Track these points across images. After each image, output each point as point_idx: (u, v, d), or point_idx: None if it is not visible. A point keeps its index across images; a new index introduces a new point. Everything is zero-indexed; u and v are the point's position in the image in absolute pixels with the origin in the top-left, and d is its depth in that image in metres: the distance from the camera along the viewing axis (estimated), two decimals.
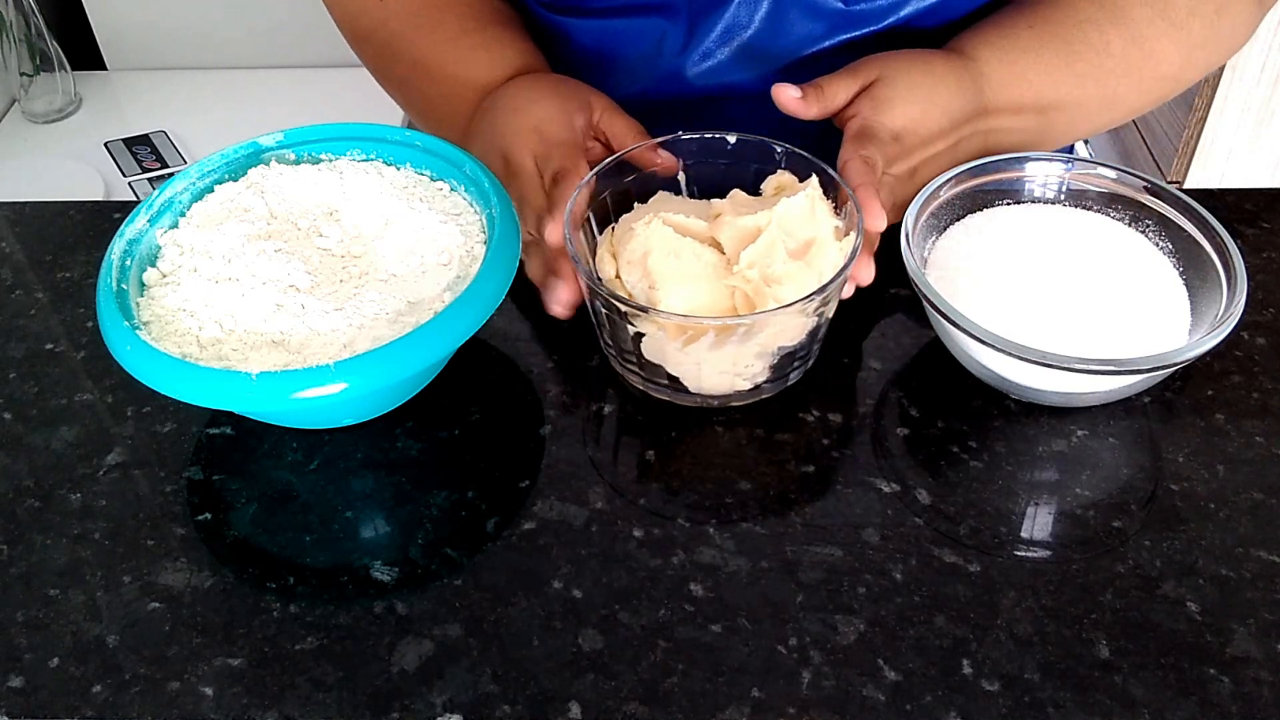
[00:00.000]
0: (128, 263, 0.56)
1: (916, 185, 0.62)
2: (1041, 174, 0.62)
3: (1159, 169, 1.84)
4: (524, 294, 0.64)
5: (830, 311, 0.57)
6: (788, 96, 0.62)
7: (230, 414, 0.58)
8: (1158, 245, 0.60)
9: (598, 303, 0.55)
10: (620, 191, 0.62)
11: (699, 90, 0.72)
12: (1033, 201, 0.62)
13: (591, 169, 0.60)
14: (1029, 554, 0.51)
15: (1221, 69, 1.66)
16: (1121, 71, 0.66)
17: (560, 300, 0.58)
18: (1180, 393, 0.59)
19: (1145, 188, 0.60)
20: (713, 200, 0.62)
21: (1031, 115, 0.66)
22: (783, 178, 0.61)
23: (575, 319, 0.59)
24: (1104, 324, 0.56)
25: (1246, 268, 0.55)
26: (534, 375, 0.60)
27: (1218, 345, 0.52)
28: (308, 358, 0.52)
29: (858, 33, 0.69)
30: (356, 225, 0.58)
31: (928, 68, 0.63)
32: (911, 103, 0.62)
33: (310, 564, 0.52)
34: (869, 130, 0.61)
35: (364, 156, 0.63)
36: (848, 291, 0.59)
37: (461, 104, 0.69)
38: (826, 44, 0.69)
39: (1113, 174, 0.61)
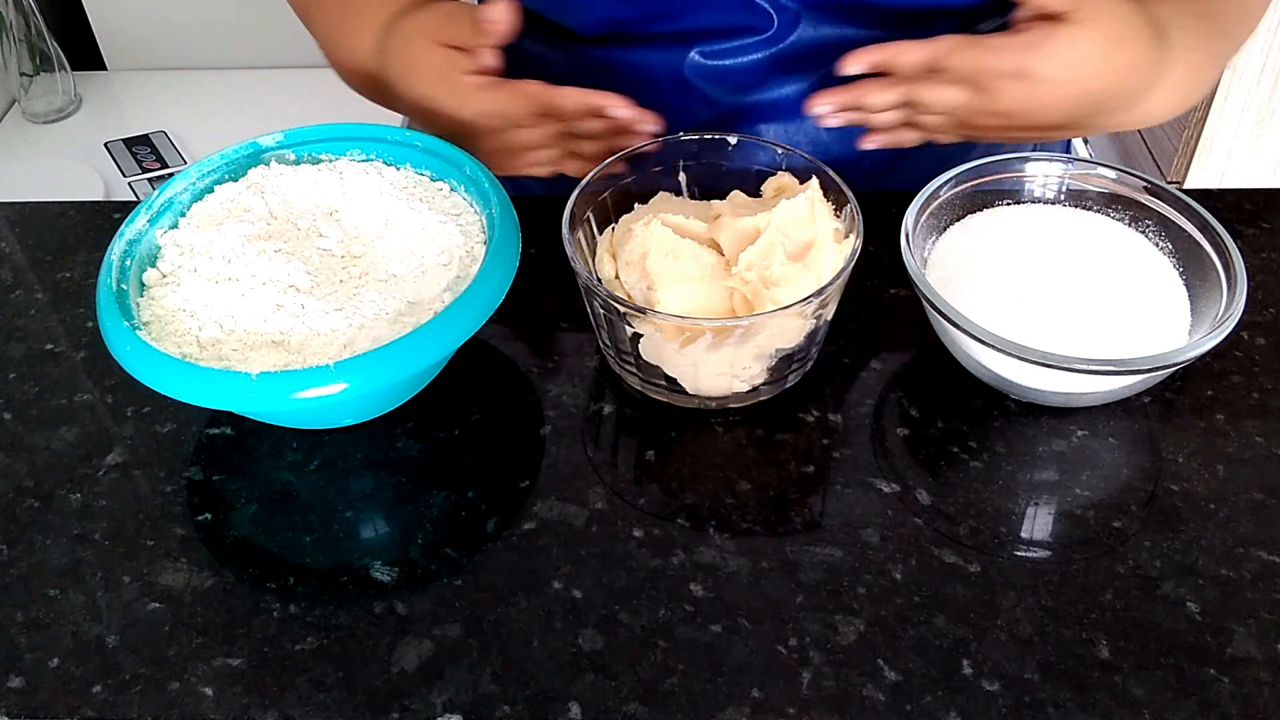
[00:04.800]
0: (128, 263, 0.56)
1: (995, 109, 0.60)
2: (1041, 174, 0.62)
3: (1159, 169, 1.84)
4: (524, 294, 0.64)
5: (829, 314, 0.57)
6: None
7: (230, 414, 0.58)
8: (1158, 245, 0.60)
9: (596, 303, 0.55)
10: (620, 192, 0.62)
11: (730, 108, 0.72)
12: (1033, 201, 0.62)
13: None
14: (1029, 554, 0.51)
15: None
16: (1229, 32, 0.65)
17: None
18: (1180, 393, 0.59)
19: (1145, 188, 0.60)
20: (712, 201, 0.62)
21: (1181, 97, 0.63)
22: (783, 179, 0.61)
23: (575, 319, 0.59)
24: (1104, 324, 0.56)
25: (1246, 268, 0.55)
26: (534, 375, 0.60)
27: (1218, 345, 0.52)
28: (308, 358, 0.52)
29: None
30: (356, 225, 0.58)
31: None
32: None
33: (310, 564, 0.52)
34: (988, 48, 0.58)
35: (364, 156, 0.63)
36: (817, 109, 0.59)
37: (363, 32, 0.70)
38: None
39: (1113, 174, 0.61)
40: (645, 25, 0.69)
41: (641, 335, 0.55)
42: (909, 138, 0.64)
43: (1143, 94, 0.61)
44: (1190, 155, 1.78)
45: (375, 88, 0.71)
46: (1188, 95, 0.64)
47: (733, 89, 0.71)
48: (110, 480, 0.56)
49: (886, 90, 0.60)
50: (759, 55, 0.69)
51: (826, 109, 0.61)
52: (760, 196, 0.62)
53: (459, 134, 0.65)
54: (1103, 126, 0.64)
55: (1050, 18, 0.58)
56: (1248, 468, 0.55)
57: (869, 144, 0.64)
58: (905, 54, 0.59)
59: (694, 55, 0.69)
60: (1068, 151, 0.90)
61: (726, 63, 0.69)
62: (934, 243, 0.60)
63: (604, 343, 0.59)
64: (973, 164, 0.61)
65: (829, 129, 0.73)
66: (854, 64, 0.60)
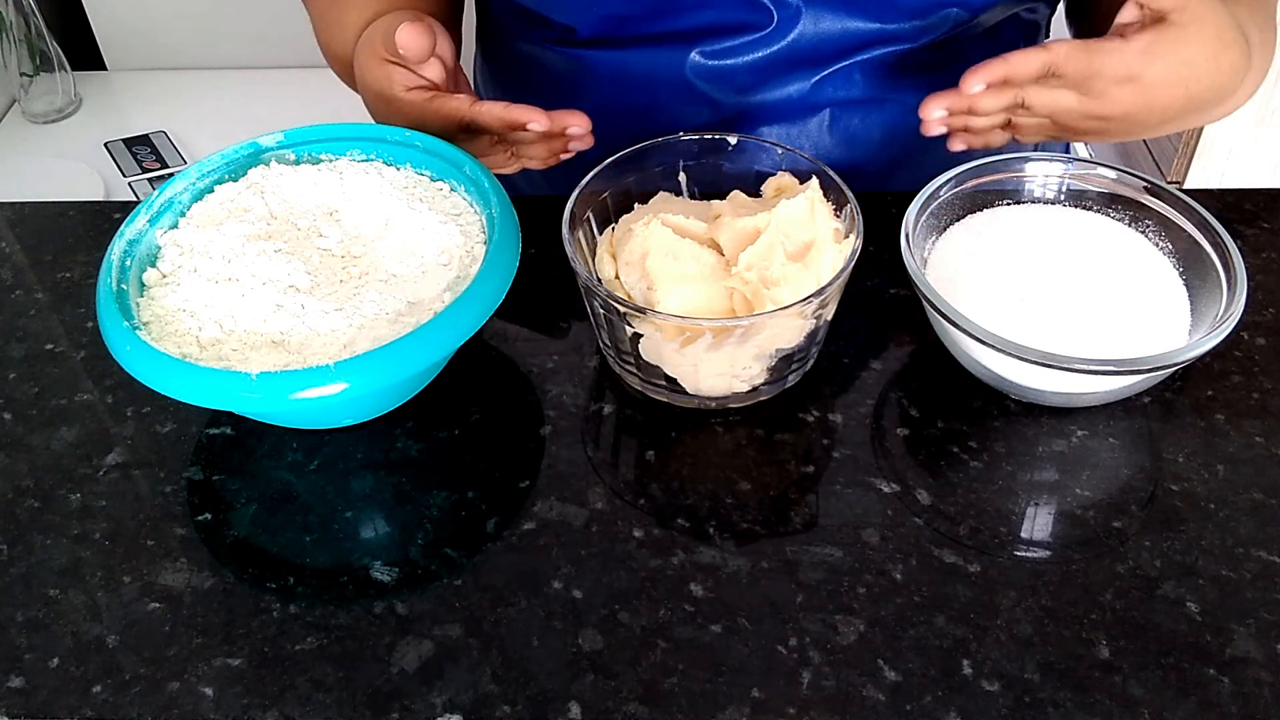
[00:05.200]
0: (128, 263, 0.56)
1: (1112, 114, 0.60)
2: (1041, 174, 0.62)
3: (1159, 169, 1.84)
4: (524, 294, 0.64)
5: (829, 314, 0.57)
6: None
7: (230, 414, 0.58)
8: (1158, 245, 0.60)
9: (596, 303, 0.55)
10: (620, 192, 0.62)
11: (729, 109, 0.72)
12: (1033, 201, 0.62)
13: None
14: (1029, 554, 0.51)
15: None
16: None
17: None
18: (1180, 393, 0.59)
19: (1145, 188, 0.60)
20: (712, 201, 0.62)
21: (1246, 94, 0.64)
22: (783, 179, 0.61)
23: (575, 319, 0.59)
24: (1104, 324, 0.56)
25: (1246, 268, 0.55)
26: (534, 375, 0.60)
27: (1218, 345, 0.52)
28: (308, 358, 0.52)
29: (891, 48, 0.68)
30: (356, 225, 0.58)
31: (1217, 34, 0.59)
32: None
33: (310, 564, 0.52)
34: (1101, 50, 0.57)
35: (364, 156, 0.63)
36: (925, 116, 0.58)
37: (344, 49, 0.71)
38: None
39: (1113, 174, 0.61)
40: (645, 23, 0.68)
41: (641, 335, 0.55)
42: (998, 139, 0.63)
43: (1232, 94, 0.61)
44: (1190, 155, 1.78)
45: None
46: (1252, 94, 0.65)
47: (734, 90, 0.71)
48: (110, 480, 0.56)
49: (999, 96, 0.59)
50: (760, 54, 0.69)
51: (939, 114, 0.59)
52: (760, 196, 0.62)
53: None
54: (1183, 126, 0.64)
55: (1158, 21, 0.57)
56: (1248, 468, 0.55)
57: (957, 146, 0.63)
58: (1023, 64, 0.58)
59: (695, 56, 0.69)
60: (1067, 152, 0.90)
61: (727, 62, 0.69)
62: (934, 243, 0.60)
63: (604, 343, 0.59)
64: (973, 164, 0.61)
65: (832, 133, 0.73)
66: (975, 82, 0.58)
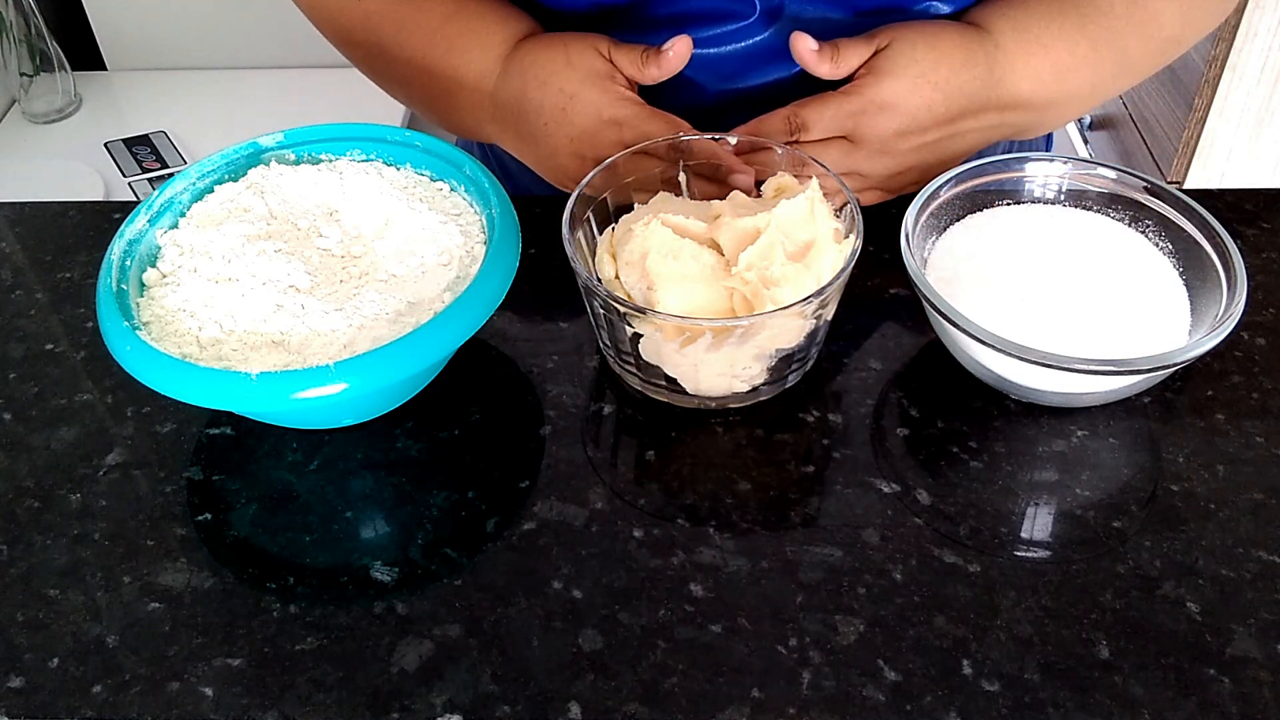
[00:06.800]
0: (128, 263, 0.56)
1: (909, 165, 0.64)
2: (1041, 174, 0.62)
3: (1159, 169, 1.84)
4: (524, 294, 0.64)
5: (829, 314, 0.57)
6: (804, 47, 0.63)
7: (230, 414, 0.58)
8: (1158, 245, 0.60)
9: (596, 303, 0.55)
10: (620, 192, 0.62)
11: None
12: (1033, 201, 0.62)
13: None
14: (1029, 554, 0.51)
15: (1221, 69, 1.66)
16: (1128, 32, 0.66)
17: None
18: (1180, 393, 0.59)
19: (1145, 188, 0.60)
20: (712, 201, 0.62)
21: (1048, 83, 0.66)
22: (783, 179, 0.61)
23: (575, 319, 0.59)
24: (1104, 324, 0.56)
25: (1246, 268, 0.55)
26: (534, 375, 0.60)
27: (1218, 345, 0.52)
28: (308, 358, 0.52)
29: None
30: (356, 225, 0.58)
31: (933, 41, 0.64)
32: (903, 77, 0.63)
33: (310, 564, 0.52)
34: (853, 94, 0.63)
35: (364, 157, 0.63)
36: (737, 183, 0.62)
37: (468, 95, 0.70)
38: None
39: (1113, 174, 0.61)
40: (635, 9, 0.69)
41: (641, 335, 0.55)
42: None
43: (989, 85, 0.65)
44: (1190, 155, 1.78)
45: (466, 102, 0.71)
46: (1061, 90, 0.67)
47: (719, 78, 0.71)
48: (110, 480, 0.56)
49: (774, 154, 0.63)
50: (745, 43, 0.69)
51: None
52: (760, 196, 0.62)
53: (570, 149, 0.66)
54: (1003, 129, 0.68)
55: (869, 61, 0.64)
56: (1248, 468, 0.55)
57: None
58: (765, 126, 0.64)
59: None
60: (1052, 149, 0.90)
61: (712, 51, 0.69)
62: (934, 243, 0.60)
63: (604, 343, 0.59)
64: (973, 164, 0.61)
65: None
66: (732, 146, 0.63)
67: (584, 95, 0.65)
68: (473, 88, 0.69)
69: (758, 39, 0.69)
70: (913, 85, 0.63)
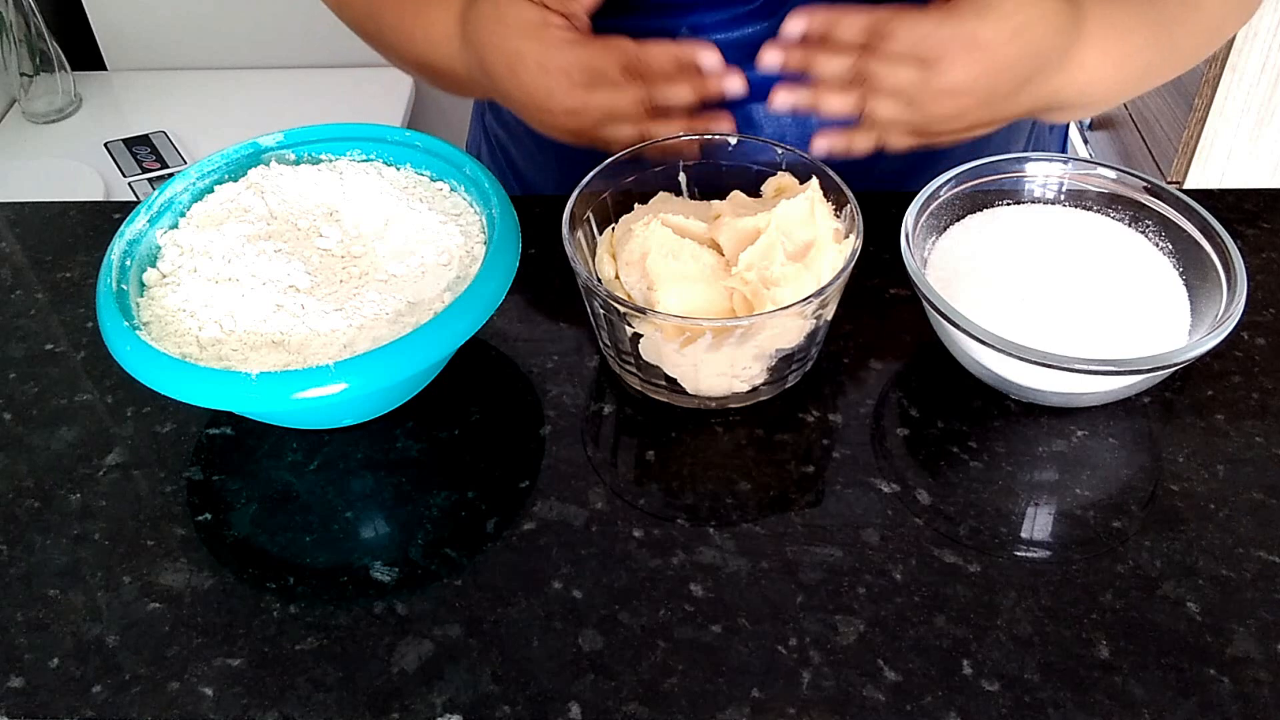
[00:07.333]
0: (128, 263, 0.56)
1: (962, 113, 0.60)
2: (1041, 174, 0.62)
3: (1159, 169, 1.84)
4: (524, 294, 0.64)
5: (829, 314, 0.57)
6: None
7: (230, 414, 0.58)
8: (1158, 245, 0.60)
9: (596, 303, 0.55)
10: (620, 192, 0.62)
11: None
12: (1033, 201, 0.62)
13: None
14: (1029, 554, 0.51)
15: (1221, 69, 1.66)
16: (1178, 20, 0.65)
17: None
18: (1180, 393, 0.59)
19: (1145, 188, 0.60)
20: (712, 201, 0.62)
21: (1109, 70, 0.63)
22: (783, 179, 0.61)
23: (575, 319, 0.59)
24: (1104, 324, 0.56)
25: (1246, 268, 0.55)
26: (534, 375, 0.60)
27: (1218, 345, 0.52)
28: (308, 358, 0.52)
29: None
30: (356, 225, 0.58)
31: None
32: (1006, 23, 0.58)
33: (310, 564, 0.52)
34: (952, 20, 0.58)
35: (364, 156, 0.63)
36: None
37: (448, 63, 0.69)
38: None
39: (1113, 174, 0.61)
40: None
41: (641, 335, 0.55)
42: (861, 144, 0.63)
43: (1063, 59, 0.61)
44: (1190, 155, 1.78)
45: (446, 68, 0.69)
46: (1114, 80, 0.64)
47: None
48: (110, 480, 0.56)
49: (834, 58, 0.59)
50: (748, 30, 0.69)
51: (776, 60, 0.60)
52: (760, 196, 0.62)
53: (538, 104, 0.64)
54: (1038, 100, 0.63)
55: None
56: (1248, 468, 0.55)
57: (821, 143, 0.63)
58: (847, 18, 0.59)
59: (684, 30, 0.69)
60: (1065, 150, 0.90)
61: (716, 37, 0.69)
62: (934, 243, 0.60)
63: (604, 343, 0.59)
64: (973, 164, 0.61)
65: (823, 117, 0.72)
66: (798, 21, 0.59)
67: (524, 50, 0.63)
68: (446, 54, 0.68)
69: (761, 26, 0.68)
70: (1010, 36, 0.58)
